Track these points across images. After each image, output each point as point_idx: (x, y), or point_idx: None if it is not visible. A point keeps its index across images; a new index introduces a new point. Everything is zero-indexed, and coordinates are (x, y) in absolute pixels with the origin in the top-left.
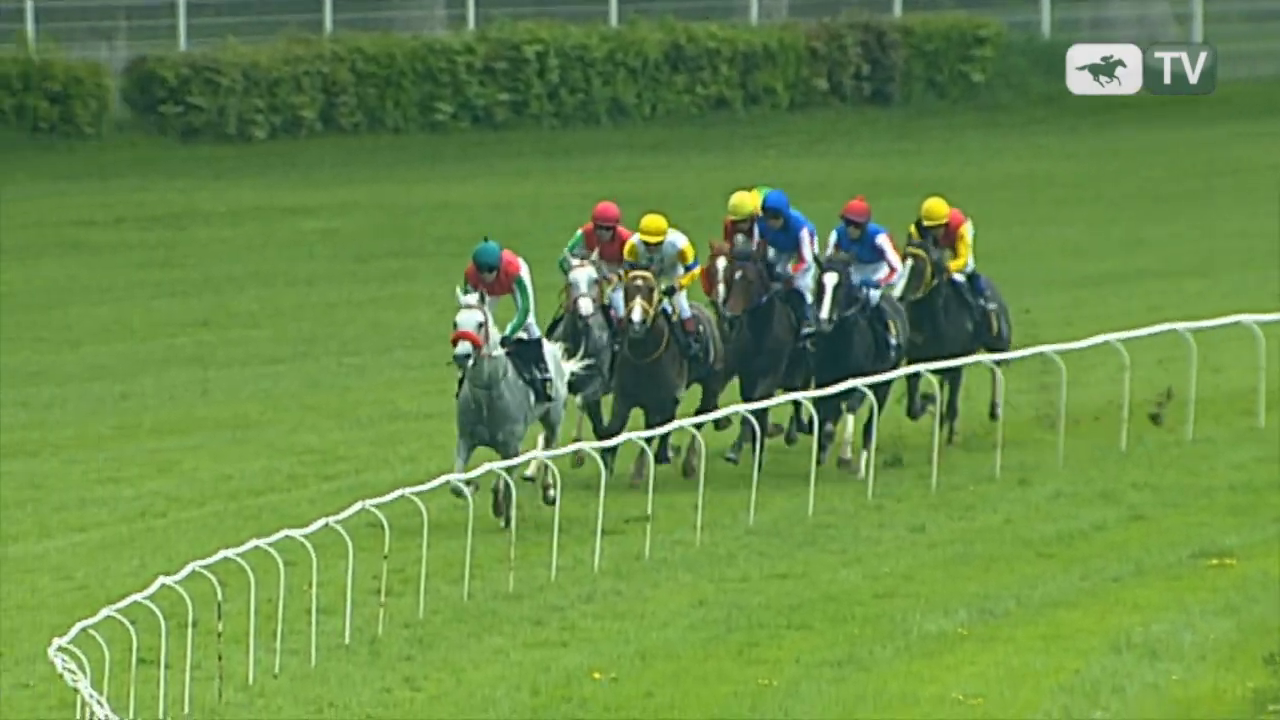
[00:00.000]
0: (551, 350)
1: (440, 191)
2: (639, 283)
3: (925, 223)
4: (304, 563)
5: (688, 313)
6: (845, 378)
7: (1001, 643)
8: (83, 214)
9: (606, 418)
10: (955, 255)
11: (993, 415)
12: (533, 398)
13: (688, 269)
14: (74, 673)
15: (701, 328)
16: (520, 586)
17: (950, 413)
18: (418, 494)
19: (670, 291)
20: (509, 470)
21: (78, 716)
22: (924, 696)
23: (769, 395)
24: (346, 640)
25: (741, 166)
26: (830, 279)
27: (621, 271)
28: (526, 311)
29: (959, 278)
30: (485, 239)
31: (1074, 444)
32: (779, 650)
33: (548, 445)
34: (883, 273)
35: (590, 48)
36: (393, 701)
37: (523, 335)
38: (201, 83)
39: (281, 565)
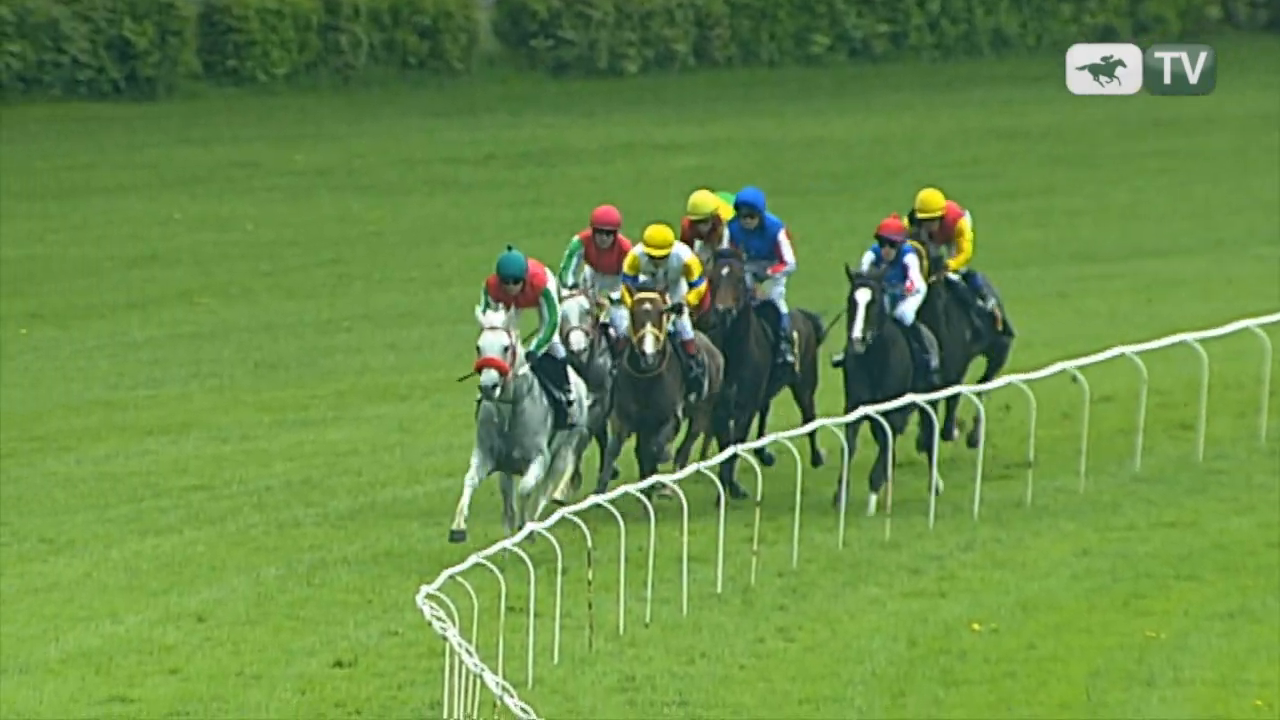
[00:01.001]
0: (574, 374)
1: (815, 126)
2: (647, 307)
3: (919, 215)
4: (675, 511)
5: (689, 334)
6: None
7: None
8: (452, 151)
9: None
10: (958, 251)
11: (970, 444)
12: (552, 419)
13: (693, 285)
14: (442, 620)
15: (703, 356)
16: (897, 534)
17: (946, 432)
18: (791, 438)
19: (677, 309)
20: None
21: (445, 665)
22: None
23: (749, 425)
24: (719, 589)
25: (1129, 100)
26: (863, 295)
27: (624, 287)
28: (554, 326)
29: (954, 277)
30: (509, 248)
31: None
32: (1166, 601)
33: (563, 479)
34: (904, 285)
35: None
36: (766, 652)
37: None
38: (573, 16)
39: (652, 513)
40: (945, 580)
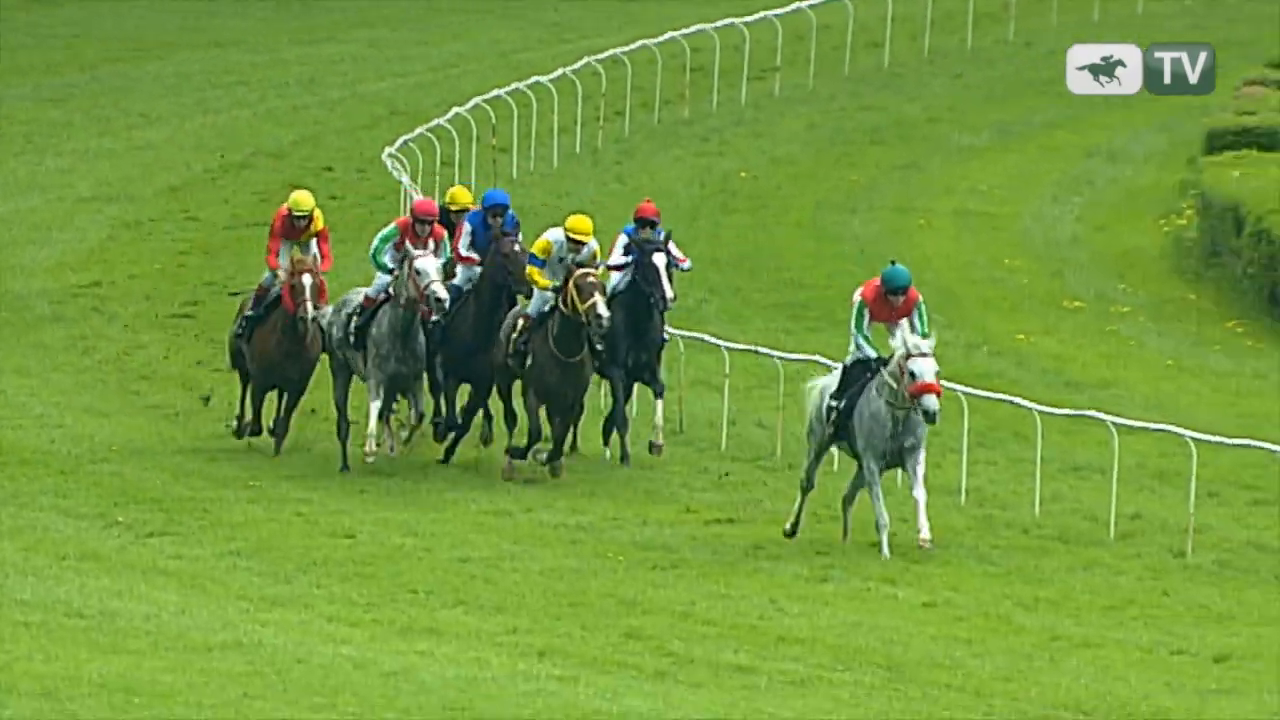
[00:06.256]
0: None
1: None
2: (592, 279)
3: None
4: (548, 100)
5: None
6: (648, 363)
7: None
8: None
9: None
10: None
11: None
12: None
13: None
14: (399, 170)
15: None
16: (693, 113)
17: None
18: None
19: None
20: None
21: (401, 201)
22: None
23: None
24: (577, 151)
25: None
26: (660, 259)
27: (533, 269)
28: (925, 336)
29: None
30: (893, 262)
31: None
32: (866, 158)
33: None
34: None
35: None
36: (609, 193)
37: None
38: None
39: (534, 103)
40: (725, 145)
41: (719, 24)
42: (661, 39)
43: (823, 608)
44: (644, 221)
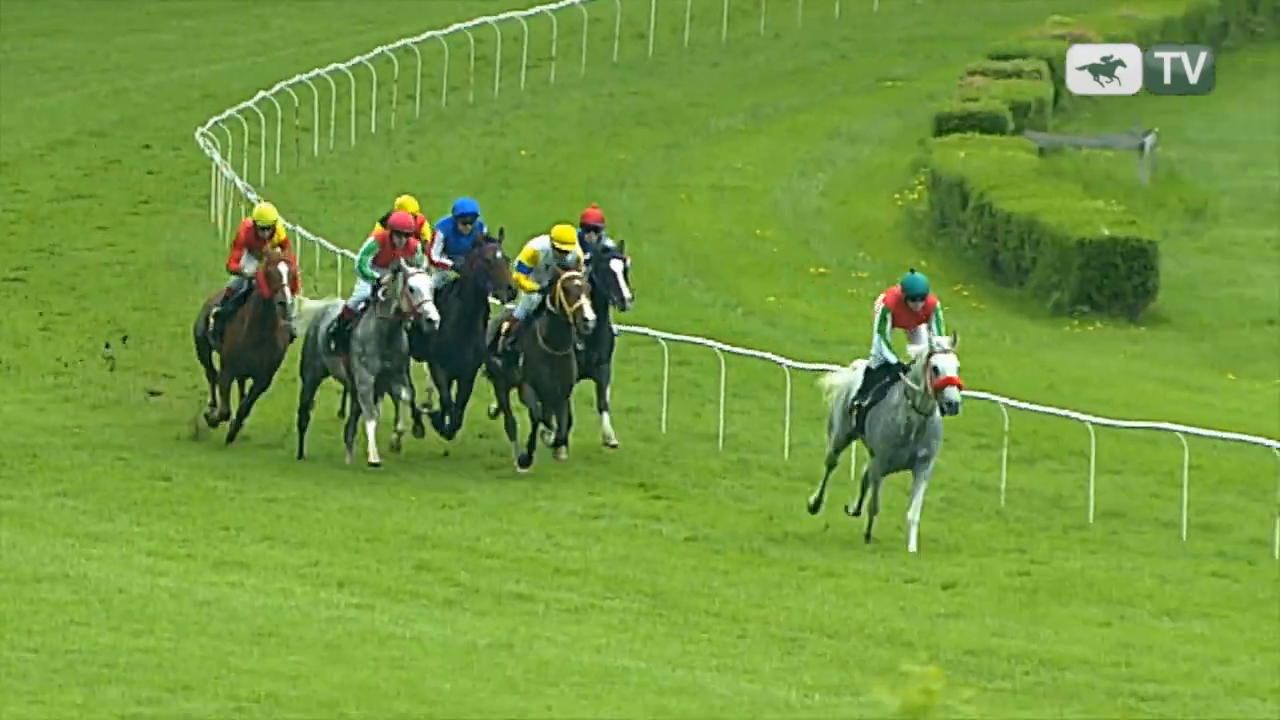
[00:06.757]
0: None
1: None
2: (579, 282)
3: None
4: (346, 85)
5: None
6: (600, 360)
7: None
8: None
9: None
10: None
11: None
12: None
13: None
14: (210, 148)
15: None
16: (477, 98)
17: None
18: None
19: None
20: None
21: (212, 175)
22: None
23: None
24: (373, 131)
25: None
26: (618, 265)
27: (519, 275)
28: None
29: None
30: (911, 270)
31: None
32: (633, 139)
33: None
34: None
35: None
36: (400, 169)
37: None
38: None
39: (334, 88)
40: (506, 126)
41: (500, 17)
42: (449, 30)
43: (594, 542)
44: (589, 227)
